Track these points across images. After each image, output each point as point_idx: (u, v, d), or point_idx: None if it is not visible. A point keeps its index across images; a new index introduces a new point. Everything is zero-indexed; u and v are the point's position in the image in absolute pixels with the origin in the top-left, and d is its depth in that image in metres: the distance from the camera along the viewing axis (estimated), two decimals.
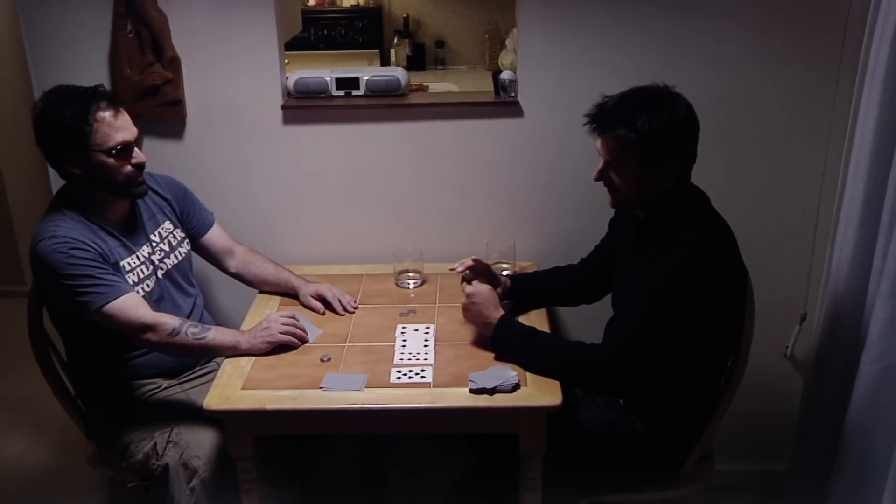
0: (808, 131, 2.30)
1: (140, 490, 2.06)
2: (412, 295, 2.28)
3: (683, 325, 1.77)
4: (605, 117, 1.79)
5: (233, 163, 2.41)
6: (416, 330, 2.07)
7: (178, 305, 2.12)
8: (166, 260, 2.12)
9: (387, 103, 2.38)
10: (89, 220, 1.96)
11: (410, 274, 2.31)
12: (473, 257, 2.09)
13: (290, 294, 2.26)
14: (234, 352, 1.96)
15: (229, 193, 2.42)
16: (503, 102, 2.34)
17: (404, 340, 2.03)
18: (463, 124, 2.36)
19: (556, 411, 1.77)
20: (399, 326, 2.09)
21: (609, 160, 1.82)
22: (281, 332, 1.98)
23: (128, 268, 1.99)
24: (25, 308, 2.10)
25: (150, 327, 1.90)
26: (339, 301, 2.18)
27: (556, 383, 1.81)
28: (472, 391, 1.79)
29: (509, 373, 1.82)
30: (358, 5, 4.57)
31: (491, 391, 1.79)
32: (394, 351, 1.98)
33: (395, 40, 4.40)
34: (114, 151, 1.90)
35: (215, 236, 2.26)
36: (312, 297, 2.20)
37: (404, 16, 4.48)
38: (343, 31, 4.47)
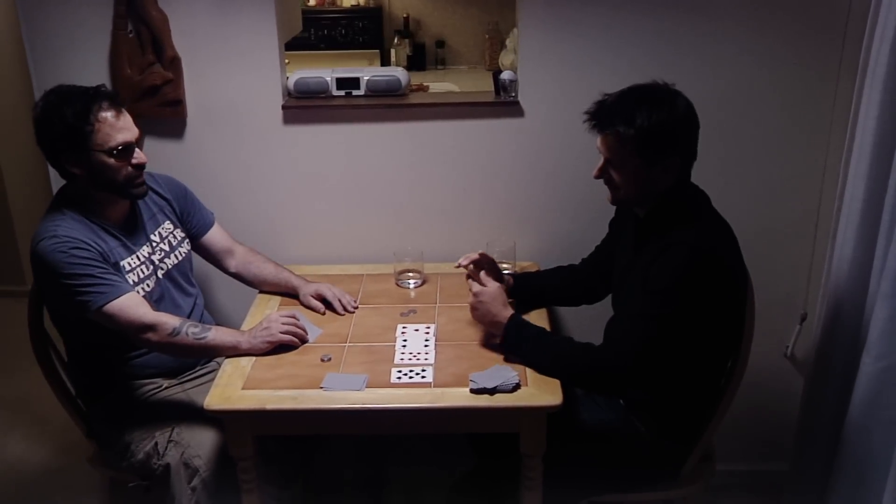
0: (809, 131, 2.30)
1: (140, 490, 2.06)
2: (412, 295, 2.28)
3: (684, 324, 1.76)
4: (605, 114, 1.79)
5: (233, 163, 2.41)
6: (417, 330, 2.07)
7: (178, 305, 2.12)
8: (166, 260, 2.12)
9: (387, 103, 2.38)
10: (89, 219, 1.96)
11: (411, 274, 2.31)
12: (480, 251, 2.08)
13: (290, 294, 2.26)
14: (235, 352, 1.96)
15: (229, 193, 2.42)
16: (503, 102, 2.35)
17: (405, 340, 2.03)
18: (463, 124, 2.36)
19: (557, 411, 1.77)
20: (399, 326, 2.09)
21: (609, 157, 1.82)
22: (281, 332, 1.98)
23: (128, 268, 1.99)
24: (25, 308, 2.10)
25: (151, 327, 1.90)
26: (340, 301, 2.18)
27: (557, 383, 1.81)
28: (473, 391, 1.79)
29: (510, 373, 1.82)
30: (358, 5, 4.57)
31: (491, 391, 1.79)
32: (394, 351, 1.98)
33: (396, 40, 4.40)
34: (115, 152, 1.90)
35: (215, 236, 2.26)
36: (313, 296, 2.20)
37: (404, 16, 4.48)
38: (343, 31, 4.47)
